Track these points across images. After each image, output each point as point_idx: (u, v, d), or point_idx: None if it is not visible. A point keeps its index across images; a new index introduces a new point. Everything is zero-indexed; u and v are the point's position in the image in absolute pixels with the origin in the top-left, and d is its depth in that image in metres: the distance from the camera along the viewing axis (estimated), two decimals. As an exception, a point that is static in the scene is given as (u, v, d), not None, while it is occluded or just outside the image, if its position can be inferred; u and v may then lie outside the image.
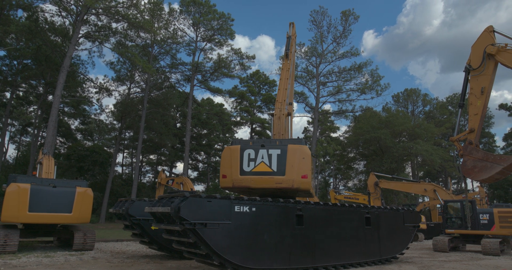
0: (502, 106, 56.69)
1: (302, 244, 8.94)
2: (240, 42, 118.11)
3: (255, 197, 8.56)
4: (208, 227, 7.41)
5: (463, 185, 51.03)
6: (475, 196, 29.40)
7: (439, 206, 26.34)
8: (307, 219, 9.10)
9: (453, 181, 53.06)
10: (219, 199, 7.78)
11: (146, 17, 30.69)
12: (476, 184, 44.61)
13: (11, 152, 51.49)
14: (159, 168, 49.39)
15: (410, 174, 49.76)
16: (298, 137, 10.84)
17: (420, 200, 43.20)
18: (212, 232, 7.46)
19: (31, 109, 41.89)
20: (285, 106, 12.00)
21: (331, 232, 9.74)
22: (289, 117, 12.27)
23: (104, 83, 38.45)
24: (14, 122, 42.56)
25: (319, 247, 9.36)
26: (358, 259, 10.51)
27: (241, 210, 7.92)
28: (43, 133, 37.89)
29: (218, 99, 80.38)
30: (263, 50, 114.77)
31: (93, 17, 29.42)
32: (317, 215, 9.50)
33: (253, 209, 8.10)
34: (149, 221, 11.10)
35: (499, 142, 61.59)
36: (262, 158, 9.26)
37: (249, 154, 9.28)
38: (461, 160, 9.35)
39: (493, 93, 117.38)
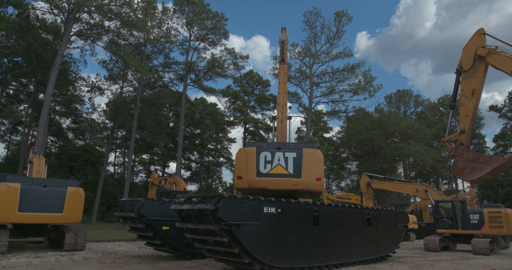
0: (493, 108, 57.49)
1: (318, 244, 9.45)
2: (235, 42, 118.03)
3: (269, 198, 8.69)
4: (242, 227, 7.67)
5: (454, 185, 51.69)
6: (466, 196, 29.77)
7: (430, 206, 26.62)
8: (322, 219, 9.56)
9: (444, 182, 53.66)
10: (251, 200, 8.02)
11: (139, 16, 30.44)
12: (466, 184, 45.19)
13: (1, 151, 50.87)
14: (152, 167, 49.07)
15: (402, 174, 50.19)
16: (308, 140, 11.22)
17: (412, 200, 43.61)
18: (245, 233, 7.72)
19: (22, 107, 41.27)
20: (286, 109, 12.30)
21: (340, 232, 10.32)
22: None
23: (96, 81, 38.08)
24: (4, 120, 41.90)
25: (331, 246, 9.91)
26: (361, 257, 11.15)
27: (269, 211, 8.27)
28: (34, 132, 37.38)
29: (211, 99, 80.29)
30: (258, 51, 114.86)
31: (85, 15, 29.10)
32: (329, 216, 10.00)
33: (279, 210, 8.46)
34: (160, 221, 10.86)
35: (489, 143, 62.65)
36: (279, 160, 9.49)
37: (265, 157, 9.48)
38: (452, 160, 9.45)
39: (484, 95, 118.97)
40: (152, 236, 11.07)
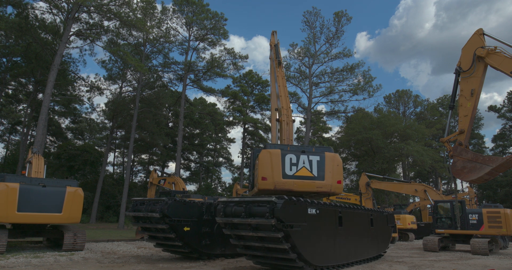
0: (492, 108, 57.57)
1: (342, 243, 10.10)
2: (236, 42, 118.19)
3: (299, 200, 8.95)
4: (294, 228, 8.05)
5: (453, 185, 51.72)
6: (465, 196, 29.80)
7: (429, 206, 26.61)
8: (344, 220, 10.15)
9: (443, 182, 53.66)
10: (300, 201, 8.43)
11: (139, 16, 30.42)
12: (465, 184, 45.26)
13: (0, 151, 50.82)
14: (151, 167, 49.03)
15: (401, 174, 50.22)
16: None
17: (411, 201, 43.65)
18: (296, 233, 8.11)
19: (21, 107, 41.26)
20: (290, 112, 12.46)
21: (355, 232, 11.02)
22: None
23: (96, 81, 38.11)
24: (3, 120, 41.86)
25: (351, 245, 10.61)
26: (367, 255, 11.85)
27: (312, 212, 8.74)
28: (33, 132, 37.33)
29: (210, 99, 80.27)
30: (258, 51, 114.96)
31: (84, 15, 29.10)
32: (349, 217, 10.59)
33: (318, 211, 8.95)
34: (182, 222, 10.67)
35: (488, 144, 62.64)
36: (304, 163, 9.76)
37: (290, 159, 9.70)
38: (451, 161, 9.46)
39: (483, 95, 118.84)
40: (174, 238, 10.71)
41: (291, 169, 9.63)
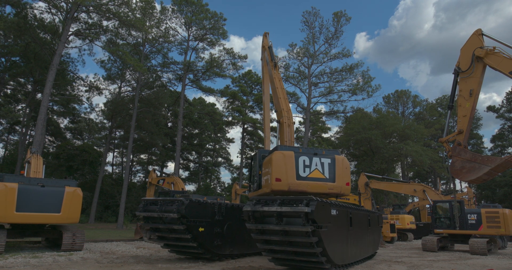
0: (490, 108, 57.63)
1: (353, 242, 10.55)
2: (236, 43, 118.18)
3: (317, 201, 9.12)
4: (323, 228, 8.29)
5: (451, 185, 51.79)
6: (464, 196, 29.83)
7: (428, 206, 26.67)
8: (354, 221, 10.57)
9: (442, 182, 53.76)
10: (327, 203, 8.75)
11: (138, 16, 30.39)
12: (464, 184, 45.33)
13: (-1, 151, 50.63)
14: (150, 167, 48.99)
15: (400, 174, 50.26)
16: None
17: (410, 201, 43.68)
18: (324, 233, 8.37)
19: (19, 107, 41.16)
20: (291, 114, 12.64)
21: (360, 232, 11.47)
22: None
23: (95, 81, 38.02)
24: (1, 120, 41.73)
25: (359, 245, 11.07)
26: (367, 254, 12.30)
27: (334, 213, 9.07)
28: (32, 132, 37.28)
29: (210, 99, 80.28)
30: (258, 51, 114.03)
31: (83, 15, 29.06)
32: (357, 218, 11.03)
33: (337, 212, 9.31)
34: (197, 223, 10.52)
35: (487, 144, 62.72)
36: (316, 165, 10.04)
37: (304, 161, 9.92)
38: (450, 161, 9.48)
39: (482, 95, 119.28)
40: (189, 238, 10.52)
41: (304, 171, 9.84)
